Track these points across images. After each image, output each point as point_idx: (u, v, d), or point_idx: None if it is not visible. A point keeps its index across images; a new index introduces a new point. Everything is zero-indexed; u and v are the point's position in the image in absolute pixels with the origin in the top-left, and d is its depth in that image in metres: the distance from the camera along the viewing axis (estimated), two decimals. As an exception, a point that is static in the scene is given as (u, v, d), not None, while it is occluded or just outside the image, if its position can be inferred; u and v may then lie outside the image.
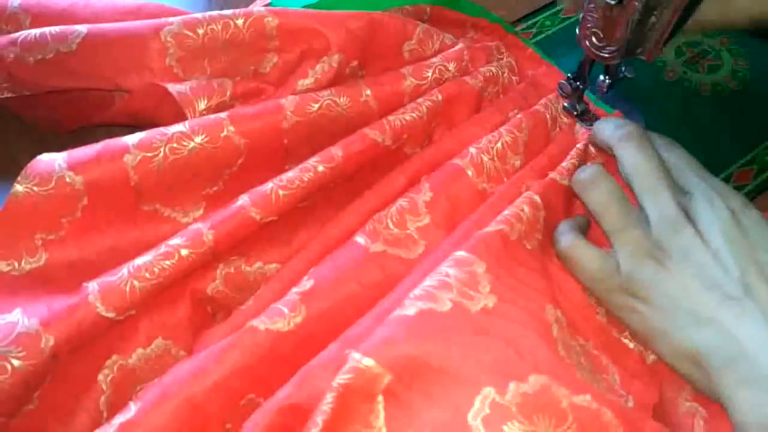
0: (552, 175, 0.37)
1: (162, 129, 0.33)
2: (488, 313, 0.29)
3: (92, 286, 0.29)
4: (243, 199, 0.33)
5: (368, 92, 0.39)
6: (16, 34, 0.37)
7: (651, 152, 0.35)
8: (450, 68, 0.42)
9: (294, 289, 0.31)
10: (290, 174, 0.34)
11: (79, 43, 0.36)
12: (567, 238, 0.34)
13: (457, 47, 0.43)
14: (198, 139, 0.33)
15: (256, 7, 0.39)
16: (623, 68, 0.41)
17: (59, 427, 0.29)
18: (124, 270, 0.30)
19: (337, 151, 0.35)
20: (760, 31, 0.49)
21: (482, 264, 0.30)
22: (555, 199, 0.36)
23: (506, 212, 0.33)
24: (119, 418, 0.27)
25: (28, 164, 0.31)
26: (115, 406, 0.30)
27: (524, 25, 0.50)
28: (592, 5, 0.36)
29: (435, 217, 0.35)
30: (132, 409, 0.27)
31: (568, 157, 0.38)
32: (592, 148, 0.40)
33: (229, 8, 0.38)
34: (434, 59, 0.42)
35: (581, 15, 0.37)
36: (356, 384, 0.26)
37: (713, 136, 0.44)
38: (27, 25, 0.39)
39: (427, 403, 0.26)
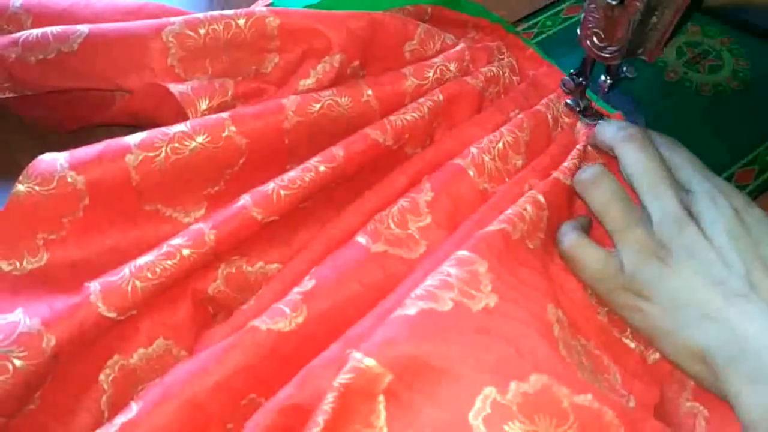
0: (555, 174, 0.37)
1: (163, 129, 0.33)
2: (489, 312, 0.29)
3: (94, 286, 0.29)
4: (244, 199, 0.33)
5: (369, 92, 0.39)
6: (18, 34, 0.37)
7: (652, 152, 0.35)
8: (451, 68, 0.42)
9: (295, 289, 0.31)
10: (292, 174, 0.34)
11: (81, 43, 0.36)
12: (570, 238, 0.34)
13: (458, 47, 0.43)
14: (199, 139, 0.33)
15: (258, 8, 0.39)
16: (624, 68, 0.41)
17: (60, 427, 0.29)
18: (126, 270, 0.30)
19: (338, 151, 0.35)
20: (761, 31, 0.49)
21: (484, 263, 0.30)
22: (558, 199, 0.36)
23: (509, 211, 0.33)
24: (120, 418, 0.27)
25: (30, 164, 0.31)
26: (117, 406, 0.30)
27: (525, 25, 0.50)
28: (593, 5, 0.36)
29: (436, 217, 0.35)
30: (133, 409, 0.27)
31: (570, 156, 0.38)
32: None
33: (230, 8, 0.38)
34: (435, 59, 0.42)
35: (582, 15, 0.37)
36: (357, 384, 0.26)
37: (714, 136, 0.44)
38: (28, 25, 0.39)
39: (428, 402, 0.26)
